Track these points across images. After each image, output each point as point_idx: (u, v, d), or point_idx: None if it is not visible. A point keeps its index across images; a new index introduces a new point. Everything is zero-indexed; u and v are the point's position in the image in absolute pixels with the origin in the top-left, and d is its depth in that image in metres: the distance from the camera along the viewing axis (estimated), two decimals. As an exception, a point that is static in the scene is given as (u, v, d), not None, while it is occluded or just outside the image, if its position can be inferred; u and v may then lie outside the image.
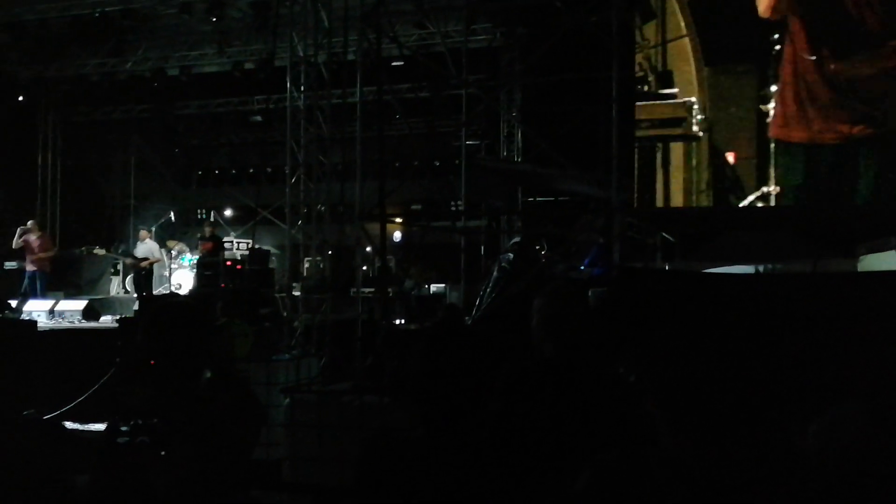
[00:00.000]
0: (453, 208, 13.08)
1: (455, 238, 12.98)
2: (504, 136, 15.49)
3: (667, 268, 10.33)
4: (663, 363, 2.04)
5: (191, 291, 14.42)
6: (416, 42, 14.45)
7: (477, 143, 16.46)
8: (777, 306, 5.40)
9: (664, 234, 10.83)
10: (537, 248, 10.23)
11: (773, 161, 8.36)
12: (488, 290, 9.37)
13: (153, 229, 16.16)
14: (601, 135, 9.53)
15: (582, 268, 10.47)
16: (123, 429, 2.06)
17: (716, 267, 9.05)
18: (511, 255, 9.64)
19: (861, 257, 8.67)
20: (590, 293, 8.30)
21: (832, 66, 7.80)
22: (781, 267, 8.98)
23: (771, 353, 5.03)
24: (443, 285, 14.48)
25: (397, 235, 18.91)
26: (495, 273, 9.41)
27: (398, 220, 17.40)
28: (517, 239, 10.32)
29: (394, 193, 10.57)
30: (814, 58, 7.78)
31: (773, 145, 8.36)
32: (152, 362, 2.39)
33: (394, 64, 14.07)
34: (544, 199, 16.41)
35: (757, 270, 9.03)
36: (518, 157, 15.09)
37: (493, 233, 15.02)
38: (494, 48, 15.33)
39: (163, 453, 2.18)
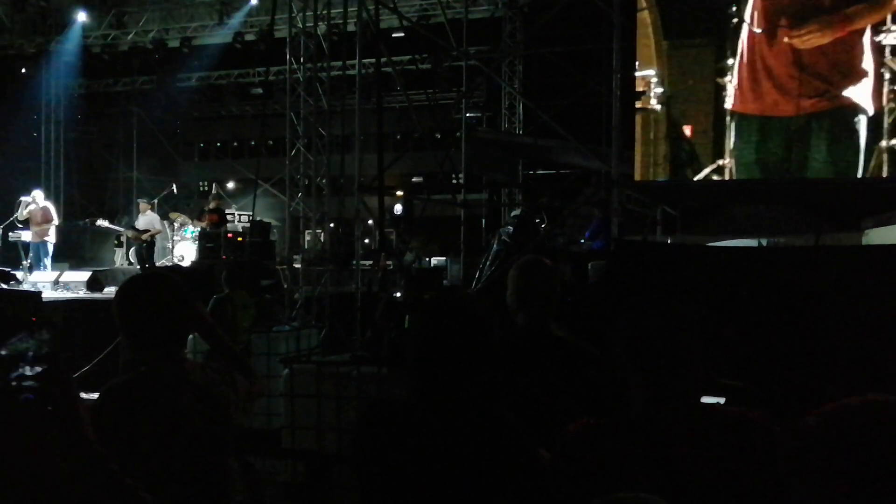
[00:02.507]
0: (454, 181, 13.07)
1: (456, 211, 12.99)
2: (505, 108, 15.44)
3: (668, 241, 10.34)
4: (645, 331, 2.06)
5: (192, 263, 14.48)
6: (416, 13, 14.36)
7: (478, 115, 16.40)
8: (778, 280, 5.42)
9: (665, 207, 10.82)
10: (537, 221, 10.23)
11: (728, 134, 8.38)
12: (488, 262, 9.40)
13: (155, 201, 16.18)
14: (603, 107, 9.51)
15: (582, 241, 10.49)
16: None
17: (718, 241, 9.06)
18: (511, 228, 9.66)
19: (866, 231, 8.67)
20: (589, 266, 8.34)
21: (786, 38, 7.77)
22: (784, 241, 8.99)
23: (772, 325, 5.05)
24: (443, 258, 14.51)
25: (398, 208, 18.92)
26: (495, 246, 9.44)
27: (398, 192, 17.41)
28: (517, 212, 10.31)
29: (394, 166, 10.56)
30: (760, 30, 7.76)
31: (728, 118, 8.38)
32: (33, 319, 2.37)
33: (394, 35, 14.02)
34: (545, 172, 16.39)
35: (760, 244, 9.04)
36: (519, 130, 15.05)
37: (494, 206, 15.02)
38: (496, 19, 15.22)
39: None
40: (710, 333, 2.07)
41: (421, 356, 2.22)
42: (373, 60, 9.83)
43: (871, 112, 7.73)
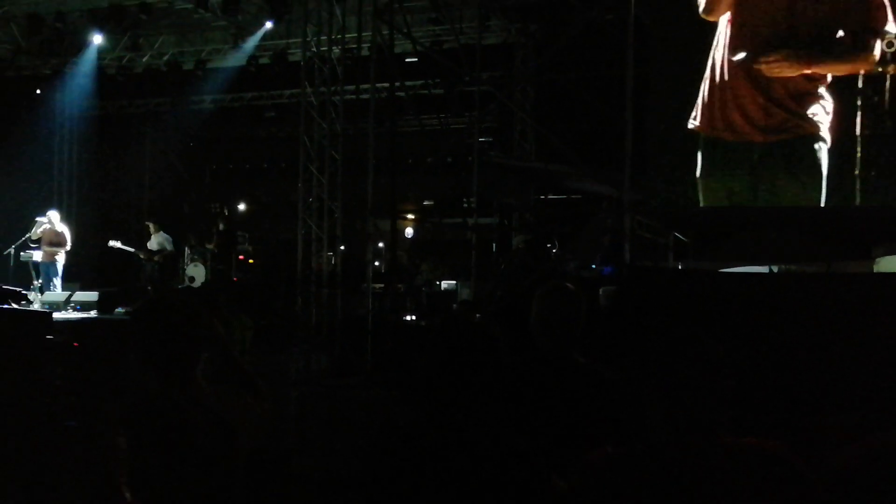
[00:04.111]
0: (465, 205, 13.10)
1: (467, 235, 13.00)
2: (517, 133, 15.48)
3: (679, 267, 10.32)
4: (670, 361, 2.04)
5: (202, 285, 14.51)
6: (429, 38, 14.45)
7: (490, 140, 16.45)
8: (791, 306, 5.40)
9: (677, 234, 10.80)
10: (548, 245, 10.23)
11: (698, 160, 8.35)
12: (499, 287, 9.40)
13: (166, 223, 16.25)
14: (615, 133, 9.52)
15: (593, 266, 10.47)
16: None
17: (729, 267, 9.02)
18: (521, 253, 9.66)
19: (878, 259, 8.63)
20: (600, 291, 8.32)
21: (754, 67, 7.76)
22: (795, 268, 8.95)
23: (782, 352, 5.03)
24: (454, 282, 14.51)
25: (409, 231, 18.95)
26: (506, 270, 9.44)
27: (410, 216, 17.44)
28: (527, 236, 10.32)
29: (406, 190, 10.61)
30: (743, 55, 7.72)
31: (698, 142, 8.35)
32: (75, 344, 2.38)
33: (407, 60, 14.09)
34: (556, 198, 16.40)
35: (770, 271, 9.01)
36: (531, 155, 15.08)
37: (505, 230, 15.03)
38: (509, 45, 15.30)
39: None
40: (735, 368, 2.06)
41: (431, 380, 2.21)
42: (386, 85, 9.89)
43: (829, 142, 7.69)
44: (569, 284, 3.19)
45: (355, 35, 10.75)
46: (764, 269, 8.99)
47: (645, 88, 9.05)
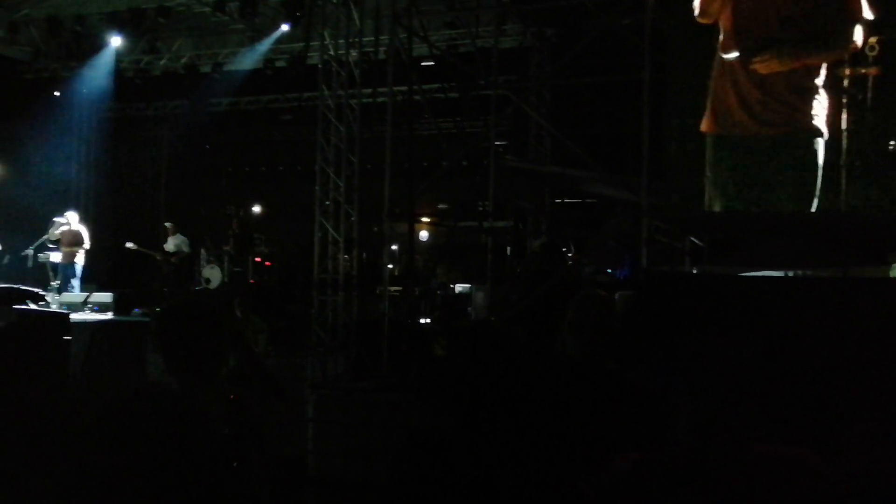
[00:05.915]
0: (480, 209, 13.10)
1: (482, 238, 13.00)
2: (533, 137, 15.48)
3: (695, 272, 10.28)
4: (692, 366, 2.03)
5: (219, 287, 14.57)
6: (445, 41, 14.48)
7: (505, 143, 16.45)
8: (808, 310, 5.38)
9: (693, 238, 10.77)
10: (564, 249, 10.22)
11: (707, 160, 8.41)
12: (514, 291, 9.40)
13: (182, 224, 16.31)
14: (630, 137, 9.52)
15: (609, 270, 10.46)
16: None
17: (745, 272, 8.99)
18: (537, 257, 9.66)
19: (894, 265, 8.60)
20: (616, 296, 8.32)
21: (749, 66, 7.89)
22: (812, 273, 8.92)
23: (800, 357, 5.00)
24: (468, 285, 14.51)
25: (424, 235, 18.97)
26: (522, 274, 9.44)
27: (425, 219, 17.46)
28: (543, 240, 10.31)
29: (421, 193, 10.63)
30: (735, 55, 7.81)
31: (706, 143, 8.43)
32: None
33: (424, 63, 14.12)
34: (572, 201, 16.39)
35: (787, 275, 8.97)
36: (547, 159, 15.07)
37: (520, 234, 15.01)
38: (525, 49, 15.32)
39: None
40: (763, 373, 2.06)
41: (461, 385, 2.21)
42: (403, 88, 9.91)
43: (826, 136, 7.84)
44: (601, 292, 3.23)
45: (372, 38, 10.78)
46: (780, 275, 8.96)
47: (661, 93, 9.05)
